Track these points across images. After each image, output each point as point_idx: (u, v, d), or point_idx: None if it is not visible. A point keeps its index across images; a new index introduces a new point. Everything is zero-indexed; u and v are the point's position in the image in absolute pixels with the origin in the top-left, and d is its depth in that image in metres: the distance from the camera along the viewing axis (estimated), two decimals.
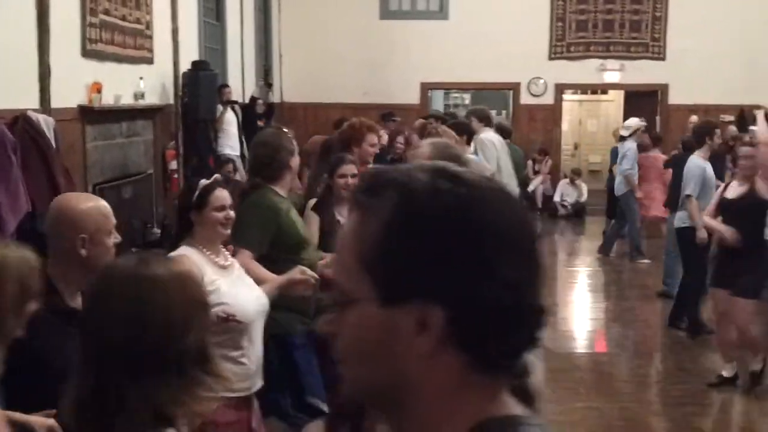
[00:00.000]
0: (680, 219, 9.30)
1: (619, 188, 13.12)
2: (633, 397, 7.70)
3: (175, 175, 11.00)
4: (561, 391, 7.69)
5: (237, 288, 4.31)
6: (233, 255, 4.65)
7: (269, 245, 5.14)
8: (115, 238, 3.53)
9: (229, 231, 4.39)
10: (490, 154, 9.24)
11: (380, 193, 1.20)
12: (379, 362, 1.21)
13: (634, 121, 13.15)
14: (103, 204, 3.56)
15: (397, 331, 1.17)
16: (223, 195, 4.35)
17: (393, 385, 1.21)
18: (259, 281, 4.64)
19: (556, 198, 18.29)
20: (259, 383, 4.44)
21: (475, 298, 1.16)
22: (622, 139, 13.01)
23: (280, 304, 4.70)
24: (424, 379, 1.19)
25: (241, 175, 10.87)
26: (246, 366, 4.27)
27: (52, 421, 2.93)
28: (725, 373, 7.70)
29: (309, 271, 4.70)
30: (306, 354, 5.19)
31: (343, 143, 6.34)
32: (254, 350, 4.32)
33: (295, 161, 5.46)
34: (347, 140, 6.44)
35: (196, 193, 4.31)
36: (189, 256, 4.22)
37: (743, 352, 7.60)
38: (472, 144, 9.09)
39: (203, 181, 4.42)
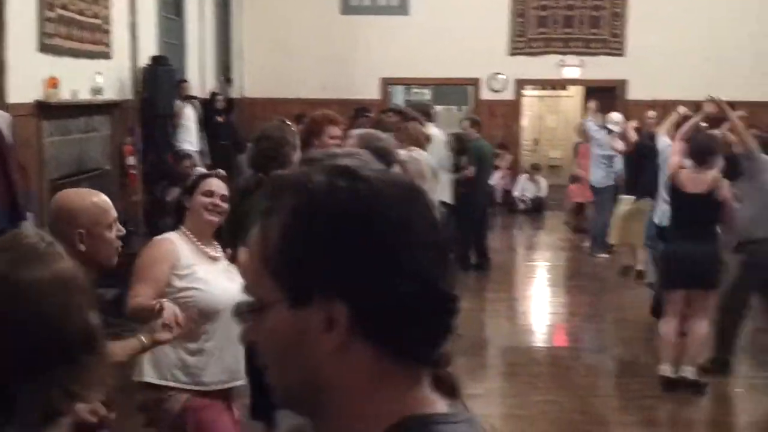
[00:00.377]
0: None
1: (601, 181, 13.23)
2: (592, 390, 7.75)
3: (133, 171, 10.92)
4: (520, 386, 7.74)
5: (216, 278, 4.25)
6: (232, 254, 4.56)
7: None
8: (118, 231, 3.55)
9: (217, 219, 4.35)
10: (435, 149, 9.24)
11: (280, 197, 1.22)
12: (294, 364, 1.21)
13: (619, 116, 13.22)
14: (102, 198, 3.58)
15: (306, 331, 1.18)
16: (214, 182, 4.37)
17: (310, 387, 1.21)
18: None
19: (516, 193, 18.38)
20: (238, 380, 4.36)
21: (377, 292, 1.16)
22: (609, 132, 13.00)
23: None
24: (338, 377, 1.20)
25: (199, 171, 10.80)
26: (207, 359, 4.21)
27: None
28: (671, 374, 7.52)
29: None
30: None
31: (304, 136, 6.32)
32: (229, 344, 4.18)
33: (298, 156, 5.34)
34: (308, 133, 6.42)
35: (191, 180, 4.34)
36: (168, 238, 4.23)
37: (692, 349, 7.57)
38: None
39: (200, 170, 4.43)
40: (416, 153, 6.71)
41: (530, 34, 17.96)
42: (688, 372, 7.43)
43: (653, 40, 17.30)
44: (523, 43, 17.98)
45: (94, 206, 3.49)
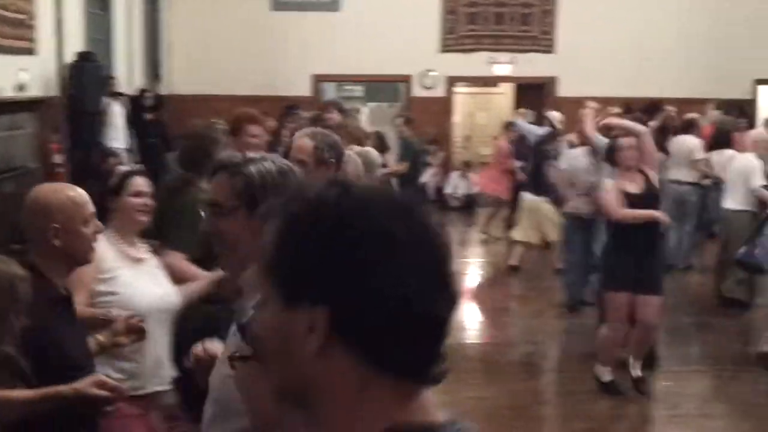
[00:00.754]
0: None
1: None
2: (522, 385, 7.79)
3: (60, 170, 10.73)
4: (450, 382, 7.71)
5: (140, 281, 4.16)
6: (157, 254, 4.46)
7: (201, 244, 4.91)
8: (96, 227, 3.50)
9: (146, 219, 4.27)
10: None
11: (281, 202, 1.30)
12: (283, 363, 1.27)
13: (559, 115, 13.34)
14: (77, 193, 3.52)
15: (293, 331, 1.23)
16: (141, 181, 4.30)
17: (296, 386, 1.27)
18: (192, 280, 4.52)
19: (448, 190, 18.42)
20: (160, 385, 4.21)
21: (355, 302, 1.21)
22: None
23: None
24: (321, 381, 1.24)
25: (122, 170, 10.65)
26: (127, 364, 4.09)
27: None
28: (607, 378, 7.43)
29: None
30: None
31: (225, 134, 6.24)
32: (150, 348, 4.09)
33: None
34: (227, 131, 6.34)
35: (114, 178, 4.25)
36: None
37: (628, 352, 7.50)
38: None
39: (123, 168, 4.35)
40: (364, 150, 6.66)
41: (461, 31, 18.02)
42: (637, 368, 7.40)
43: (583, 38, 17.47)
44: (454, 41, 18.04)
45: (69, 201, 3.44)
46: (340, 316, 1.21)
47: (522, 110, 15.10)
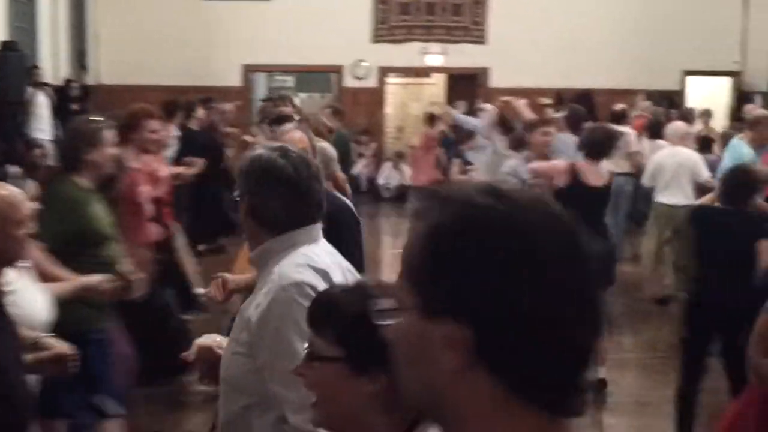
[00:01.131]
0: None
1: None
2: None
3: None
4: None
5: (31, 293, 3.95)
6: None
7: (68, 239, 4.79)
8: (29, 228, 3.38)
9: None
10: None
11: (428, 207, 1.24)
12: (417, 372, 1.23)
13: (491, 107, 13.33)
14: (11, 193, 3.37)
15: (430, 343, 1.19)
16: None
17: (429, 398, 1.23)
18: (52, 280, 4.36)
19: (380, 181, 18.37)
20: None
21: (503, 325, 1.16)
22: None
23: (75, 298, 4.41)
24: (458, 396, 1.20)
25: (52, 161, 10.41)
26: None
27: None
28: None
29: (117, 275, 4.48)
30: (101, 351, 4.88)
31: (121, 131, 6.04)
32: None
33: (103, 152, 5.05)
34: (125, 128, 6.15)
35: None
36: None
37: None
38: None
39: (14, 170, 4.15)
40: (321, 146, 6.53)
41: (393, 21, 17.96)
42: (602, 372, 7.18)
43: (514, 29, 17.52)
44: (385, 31, 17.97)
45: (2, 202, 3.30)
46: (484, 337, 1.16)
47: (438, 103, 15.03)
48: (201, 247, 11.68)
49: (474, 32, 18.09)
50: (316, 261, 2.77)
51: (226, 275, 4.04)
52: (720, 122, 16.14)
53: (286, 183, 2.81)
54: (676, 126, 10.70)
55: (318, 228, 2.90)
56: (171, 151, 9.68)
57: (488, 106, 13.21)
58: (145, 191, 6.25)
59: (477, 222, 1.18)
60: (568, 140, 9.65)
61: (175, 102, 11.20)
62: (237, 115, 17.10)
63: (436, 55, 18.10)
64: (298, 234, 2.83)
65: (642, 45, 17.68)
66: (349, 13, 17.45)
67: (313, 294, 2.46)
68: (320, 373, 1.97)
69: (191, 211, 11.03)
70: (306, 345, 2.05)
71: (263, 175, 2.82)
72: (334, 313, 1.99)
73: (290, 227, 2.82)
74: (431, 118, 14.33)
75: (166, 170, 8.05)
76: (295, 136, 4.63)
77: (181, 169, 9.08)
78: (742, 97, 17.91)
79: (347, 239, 4.26)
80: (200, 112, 11.47)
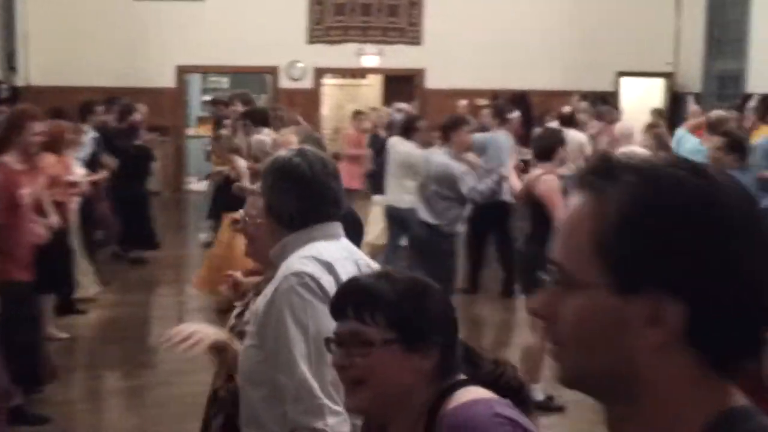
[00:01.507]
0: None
1: None
2: None
3: None
4: None
5: None
6: None
7: None
8: None
9: None
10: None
11: (618, 177, 1.18)
12: (605, 351, 1.18)
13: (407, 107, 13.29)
14: None
15: (627, 320, 1.15)
16: None
17: (619, 376, 1.18)
18: None
19: None
20: None
21: (715, 296, 1.14)
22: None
23: None
24: (655, 372, 1.17)
25: None
26: None
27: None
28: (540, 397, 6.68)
29: None
30: None
31: (3, 133, 5.91)
32: None
33: None
34: (8, 129, 6.03)
35: None
36: None
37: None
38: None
39: None
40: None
41: (328, 22, 17.86)
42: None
43: (450, 30, 17.53)
44: (321, 31, 17.87)
45: None
46: (693, 309, 1.13)
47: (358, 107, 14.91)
48: (131, 254, 11.54)
49: (410, 33, 18.07)
50: (322, 254, 2.86)
51: (238, 275, 3.97)
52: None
53: (300, 181, 2.93)
54: (620, 126, 10.80)
55: (337, 225, 3.01)
56: (83, 153, 9.54)
57: (405, 106, 13.25)
58: (27, 193, 6.19)
59: (683, 195, 1.16)
60: (501, 140, 9.65)
61: (91, 103, 11.05)
62: (171, 116, 16.94)
63: (372, 56, 18.05)
64: (314, 230, 2.94)
65: (577, 46, 17.81)
66: (284, 13, 17.32)
67: (314, 284, 2.73)
68: (375, 358, 2.00)
69: (120, 216, 10.87)
70: (337, 336, 2.07)
71: (279, 174, 2.96)
72: (379, 298, 2.03)
73: (306, 224, 2.93)
74: (356, 117, 14.14)
75: (74, 172, 7.95)
76: (285, 139, 4.85)
77: (95, 175, 9.07)
78: (675, 97, 18.14)
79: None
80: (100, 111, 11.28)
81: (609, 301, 1.16)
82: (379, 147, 11.31)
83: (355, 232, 4.81)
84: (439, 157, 8.19)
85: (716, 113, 10.34)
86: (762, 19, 15.50)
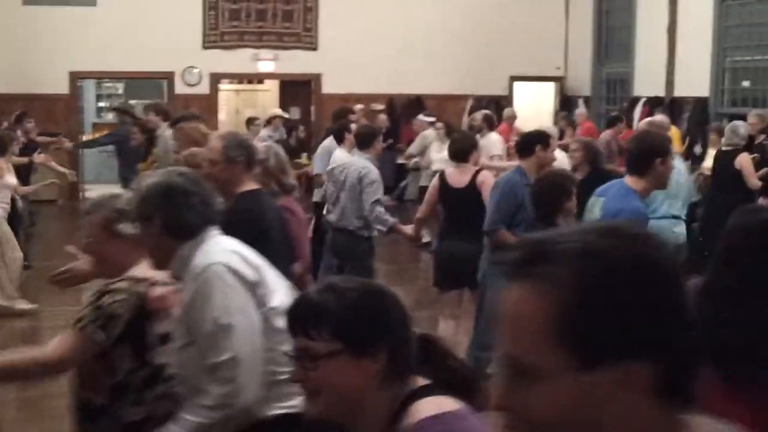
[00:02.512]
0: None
1: None
2: None
3: None
4: None
5: None
6: None
7: None
8: None
9: None
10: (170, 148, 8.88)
11: (555, 261, 1.22)
12: (580, 425, 1.21)
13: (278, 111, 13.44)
14: None
15: (599, 393, 1.19)
16: None
17: None
18: None
19: None
20: None
21: (673, 346, 1.22)
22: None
23: None
24: (624, 427, 1.22)
25: None
26: None
27: None
28: None
29: None
30: None
31: None
32: None
33: None
34: None
35: None
36: None
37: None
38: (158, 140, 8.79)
39: None
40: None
41: (223, 27, 17.81)
42: None
43: (345, 35, 17.63)
44: (216, 37, 17.81)
45: None
46: (659, 364, 1.20)
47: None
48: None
49: (305, 38, 18.13)
50: (224, 245, 3.18)
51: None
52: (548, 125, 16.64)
53: (189, 195, 3.16)
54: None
55: (217, 228, 3.25)
56: None
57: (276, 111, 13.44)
58: None
59: (626, 263, 1.21)
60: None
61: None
62: (65, 123, 16.67)
63: (267, 62, 18.05)
64: (206, 235, 3.18)
65: (471, 52, 18.07)
66: (179, 19, 17.20)
67: (231, 271, 3.05)
68: (325, 370, 2.09)
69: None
70: (292, 352, 2.18)
71: (169, 192, 3.15)
72: (323, 312, 2.11)
73: (199, 232, 3.16)
74: (249, 123, 14.14)
75: None
76: (210, 145, 4.94)
77: None
78: (565, 101, 18.57)
79: (272, 236, 4.63)
80: None
81: (579, 380, 1.19)
82: None
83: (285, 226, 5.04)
84: (359, 161, 8.23)
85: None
86: (647, 25, 16.00)
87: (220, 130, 18.76)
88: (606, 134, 11.95)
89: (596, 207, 4.85)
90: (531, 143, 6.82)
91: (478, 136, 9.89)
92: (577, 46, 18.55)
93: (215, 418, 2.98)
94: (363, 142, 8.16)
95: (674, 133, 11.51)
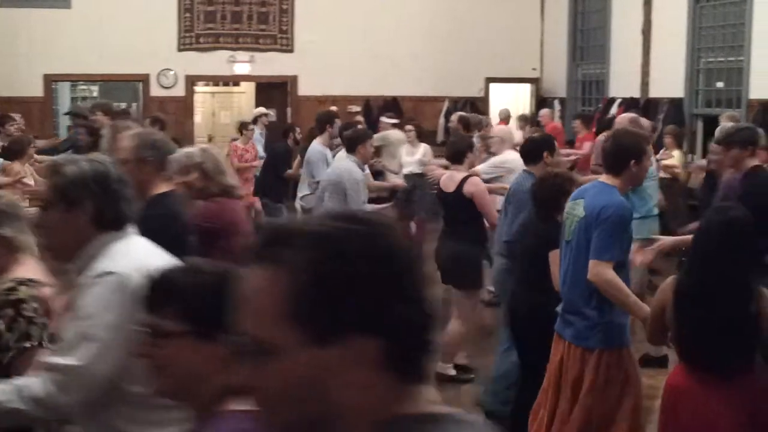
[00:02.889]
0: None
1: None
2: None
3: None
4: None
5: None
6: None
7: None
8: None
9: None
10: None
11: (290, 245, 1.28)
12: (314, 402, 1.27)
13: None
14: None
15: (332, 368, 1.25)
16: None
17: (324, 418, 1.28)
18: None
19: None
20: None
21: (401, 321, 1.27)
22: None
23: None
24: (357, 403, 1.28)
25: None
26: None
27: None
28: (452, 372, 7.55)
29: None
30: None
31: None
32: None
33: None
34: None
35: None
36: None
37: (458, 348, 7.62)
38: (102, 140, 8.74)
39: None
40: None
41: (199, 29, 17.74)
42: (447, 369, 7.47)
43: (321, 37, 17.61)
44: (191, 39, 17.74)
45: None
46: (387, 339, 1.26)
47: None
48: None
49: (281, 40, 18.09)
50: (137, 250, 3.02)
51: None
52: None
53: (124, 185, 3.08)
54: (499, 129, 11.04)
55: (134, 226, 3.13)
56: None
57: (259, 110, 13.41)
58: None
59: (352, 246, 1.27)
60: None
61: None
62: (40, 126, 16.57)
63: (243, 64, 18.01)
64: (125, 231, 3.07)
65: (447, 54, 18.09)
66: (154, 21, 17.12)
67: (123, 285, 2.82)
68: (171, 348, 2.10)
69: None
70: (142, 327, 2.17)
71: (102, 179, 3.02)
72: (174, 291, 2.14)
73: (125, 225, 3.06)
74: (242, 129, 14.09)
75: None
76: (122, 144, 4.76)
77: None
78: (541, 102, 18.63)
79: (187, 240, 4.50)
80: None
81: (312, 356, 1.25)
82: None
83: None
84: (343, 164, 8.33)
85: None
86: (622, 27, 16.07)
87: (195, 132, 18.76)
88: (601, 137, 11.82)
89: (578, 208, 4.85)
90: (539, 149, 6.91)
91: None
92: (552, 48, 18.61)
93: (31, 412, 2.83)
94: (350, 145, 8.34)
95: None
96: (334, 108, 15.38)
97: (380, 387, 1.28)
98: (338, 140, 9.95)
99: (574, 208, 4.91)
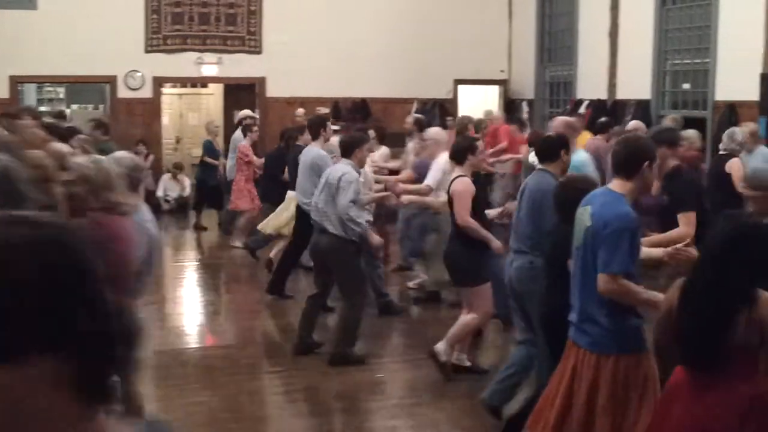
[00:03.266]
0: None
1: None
2: (239, 388, 7.70)
3: None
4: (167, 389, 7.55)
5: None
6: None
7: None
8: None
9: None
10: None
11: None
12: (5, 423, 1.16)
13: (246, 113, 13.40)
14: None
15: (18, 389, 1.14)
16: None
17: None
18: None
19: (159, 193, 17.99)
20: None
21: (82, 340, 1.16)
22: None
23: None
24: (41, 423, 1.17)
25: None
26: None
27: None
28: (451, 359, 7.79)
29: None
30: None
31: None
32: None
33: None
34: None
35: None
36: None
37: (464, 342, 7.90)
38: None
39: None
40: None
41: (166, 31, 17.66)
42: (463, 360, 7.89)
43: (289, 39, 17.59)
44: (159, 40, 17.66)
45: None
46: (73, 362, 1.16)
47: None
48: None
49: (249, 42, 18.05)
50: None
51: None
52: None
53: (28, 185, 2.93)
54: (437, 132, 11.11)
55: None
56: None
57: (243, 112, 13.38)
58: None
59: (13, 255, 1.16)
60: None
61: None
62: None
63: (211, 65, 17.95)
64: None
65: (415, 56, 18.13)
66: (120, 22, 17.02)
67: None
68: None
69: None
70: None
71: (11, 176, 3.07)
72: None
73: None
74: (245, 130, 14.02)
75: None
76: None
77: None
78: (509, 104, 18.71)
79: None
80: None
81: None
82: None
83: None
84: (340, 165, 8.39)
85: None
86: (589, 29, 16.17)
87: (163, 134, 18.66)
88: (595, 140, 11.84)
89: (586, 215, 4.85)
90: (556, 148, 6.92)
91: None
92: (520, 50, 18.69)
93: None
94: (345, 150, 8.44)
95: (585, 135, 11.59)
96: (301, 110, 15.43)
97: (67, 411, 1.19)
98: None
99: (583, 215, 4.91)
